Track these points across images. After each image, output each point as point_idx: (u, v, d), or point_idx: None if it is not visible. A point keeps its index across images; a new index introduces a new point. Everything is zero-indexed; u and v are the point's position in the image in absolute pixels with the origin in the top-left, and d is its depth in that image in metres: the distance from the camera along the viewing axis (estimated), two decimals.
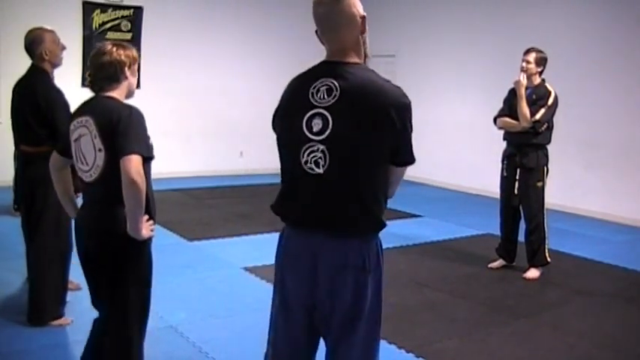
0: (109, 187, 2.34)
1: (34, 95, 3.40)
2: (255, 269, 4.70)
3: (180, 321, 3.72)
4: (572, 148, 7.38)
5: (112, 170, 2.29)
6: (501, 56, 7.97)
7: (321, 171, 1.82)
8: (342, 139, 1.80)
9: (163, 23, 8.67)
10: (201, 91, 9.19)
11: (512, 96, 4.88)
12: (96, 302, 2.55)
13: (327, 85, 1.84)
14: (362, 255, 1.87)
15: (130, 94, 2.51)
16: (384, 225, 1.92)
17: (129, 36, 8.43)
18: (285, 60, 9.59)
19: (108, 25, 8.28)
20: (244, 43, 9.45)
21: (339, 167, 1.81)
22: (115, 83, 2.43)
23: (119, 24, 8.36)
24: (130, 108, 2.37)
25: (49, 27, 3.56)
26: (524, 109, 4.65)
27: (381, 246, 1.96)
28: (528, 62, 4.73)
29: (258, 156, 9.51)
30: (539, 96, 4.72)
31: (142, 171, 2.26)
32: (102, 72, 2.41)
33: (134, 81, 2.51)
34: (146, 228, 2.37)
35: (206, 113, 9.28)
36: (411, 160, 1.93)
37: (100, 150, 2.32)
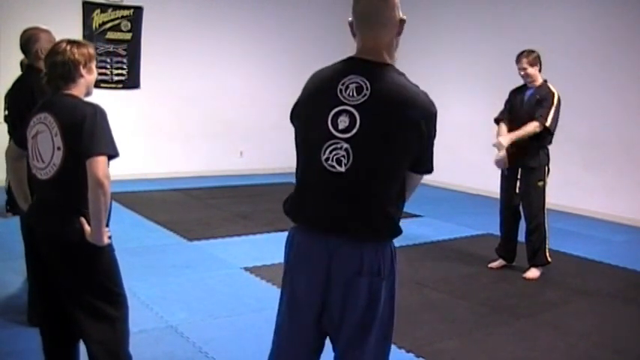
0: (62, 189, 2.29)
1: (32, 95, 3.39)
2: (255, 269, 4.69)
3: (180, 321, 3.72)
4: (572, 148, 7.38)
5: (69, 170, 2.24)
6: (502, 56, 7.94)
7: (342, 169, 1.75)
8: (368, 140, 1.74)
9: (163, 23, 8.67)
10: (202, 91, 9.18)
11: (512, 97, 4.89)
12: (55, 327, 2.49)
13: (356, 82, 1.77)
14: (377, 260, 1.82)
15: (88, 93, 2.43)
16: (400, 231, 1.88)
17: (129, 36, 8.44)
18: (285, 60, 9.60)
19: (108, 25, 8.27)
20: (244, 43, 9.45)
21: (361, 168, 1.75)
22: (71, 82, 2.34)
23: (119, 24, 8.36)
24: (94, 106, 2.28)
25: (44, 26, 3.55)
26: (529, 133, 4.62)
27: (395, 251, 1.91)
28: (524, 69, 4.71)
29: (258, 156, 9.52)
30: (542, 96, 4.70)
31: (108, 172, 2.21)
32: (56, 71, 2.32)
33: (92, 79, 2.42)
34: (105, 234, 2.29)
35: (206, 113, 9.27)
36: (430, 168, 1.90)
37: (58, 148, 2.24)
